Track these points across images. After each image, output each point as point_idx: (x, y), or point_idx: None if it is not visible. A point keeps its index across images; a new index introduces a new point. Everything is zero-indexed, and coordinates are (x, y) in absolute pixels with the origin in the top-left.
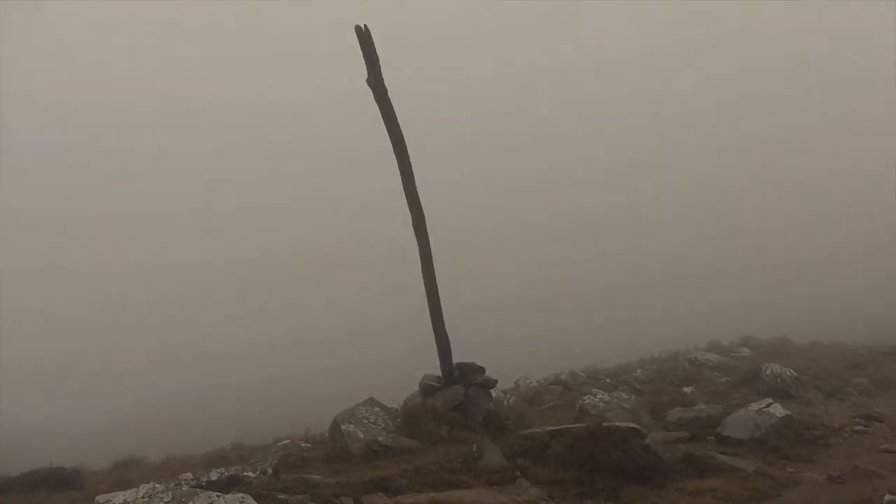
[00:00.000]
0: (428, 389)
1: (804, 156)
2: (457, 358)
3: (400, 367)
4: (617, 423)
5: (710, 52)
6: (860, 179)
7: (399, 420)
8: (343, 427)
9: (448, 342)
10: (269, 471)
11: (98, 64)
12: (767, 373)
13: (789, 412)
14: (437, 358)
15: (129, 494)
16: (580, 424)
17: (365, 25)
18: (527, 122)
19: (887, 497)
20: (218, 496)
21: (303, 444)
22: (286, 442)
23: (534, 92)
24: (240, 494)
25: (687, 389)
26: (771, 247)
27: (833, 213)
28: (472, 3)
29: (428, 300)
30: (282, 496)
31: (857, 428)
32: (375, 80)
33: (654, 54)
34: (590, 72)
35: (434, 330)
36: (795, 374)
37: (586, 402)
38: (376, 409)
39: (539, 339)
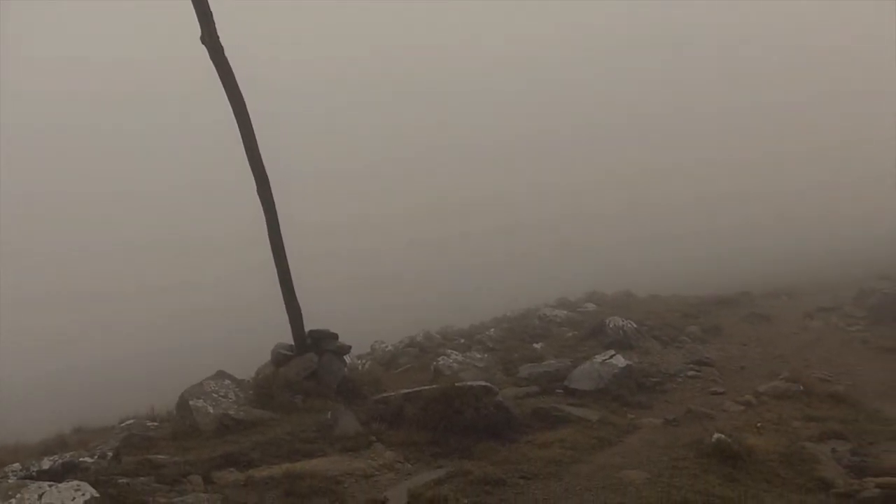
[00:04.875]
0: (280, 359)
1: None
2: (310, 326)
3: (252, 340)
4: (469, 383)
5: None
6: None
7: (251, 392)
8: (191, 402)
9: (299, 309)
10: (110, 454)
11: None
12: (611, 326)
13: (630, 362)
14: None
15: None
16: (434, 386)
17: None
18: (402, 107)
19: (715, 436)
20: (50, 486)
21: (148, 424)
22: (130, 422)
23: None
24: (75, 482)
25: (537, 346)
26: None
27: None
28: None
29: (276, 265)
30: (123, 480)
31: (690, 373)
32: (211, 38)
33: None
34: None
35: (284, 297)
36: (636, 325)
37: (441, 363)
38: (226, 381)
39: (395, 304)
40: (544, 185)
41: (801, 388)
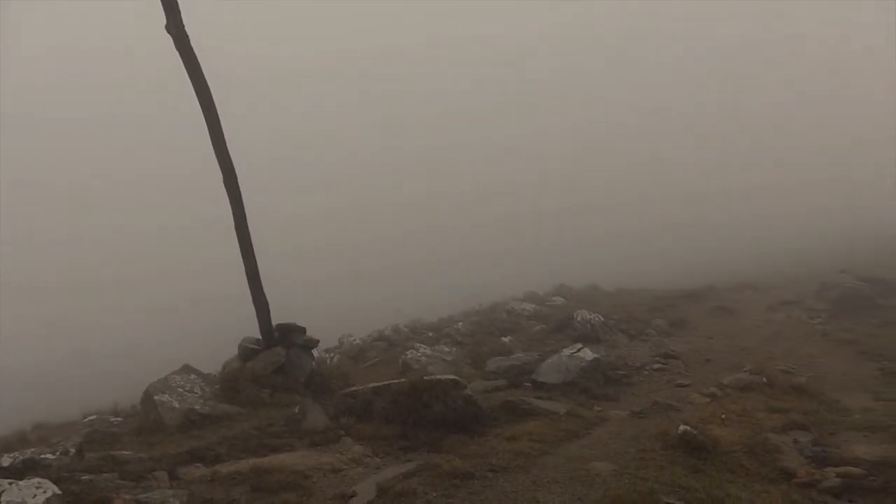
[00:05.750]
0: (247, 353)
1: None
2: (278, 319)
3: (219, 334)
4: (438, 376)
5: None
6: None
7: (217, 386)
8: (156, 398)
9: (266, 302)
10: (72, 450)
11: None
12: (578, 319)
13: (597, 355)
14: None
15: None
16: (403, 379)
17: None
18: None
19: (681, 428)
20: (10, 483)
21: (112, 419)
22: (93, 418)
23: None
24: (36, 479)
25: (505, 339)
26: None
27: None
28: None
29: (242, 259)
30: (86, 477)
31: (657, 366)
32: (177, 28)
33: None
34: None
35: (251, 290)
36: (603, 319)
37: (409, 356)
38: (192, 376)
39: (364, 299)
40: (513, 183)
41: (765, 380)
